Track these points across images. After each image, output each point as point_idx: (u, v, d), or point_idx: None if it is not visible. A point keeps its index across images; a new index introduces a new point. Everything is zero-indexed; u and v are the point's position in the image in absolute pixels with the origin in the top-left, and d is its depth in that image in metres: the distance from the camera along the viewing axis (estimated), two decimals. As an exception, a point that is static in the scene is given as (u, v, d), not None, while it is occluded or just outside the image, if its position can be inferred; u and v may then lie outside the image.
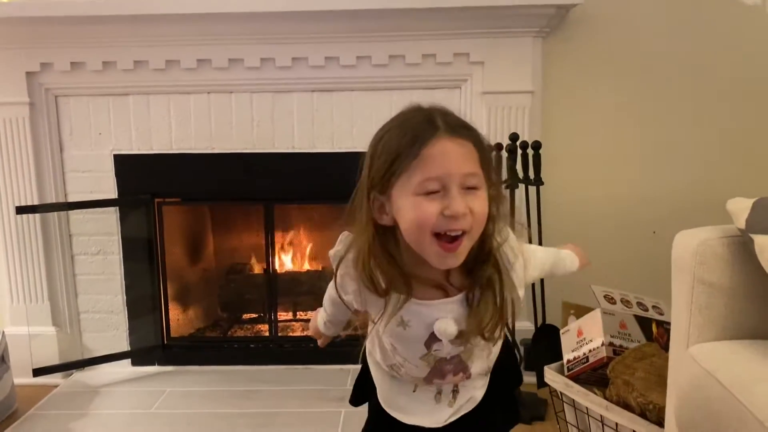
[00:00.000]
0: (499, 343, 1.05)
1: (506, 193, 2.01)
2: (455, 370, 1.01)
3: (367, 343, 1.09)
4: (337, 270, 0.97)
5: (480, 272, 0.93)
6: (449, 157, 0.86)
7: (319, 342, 1.25)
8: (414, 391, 1.05)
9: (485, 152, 0.91)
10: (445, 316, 0.94)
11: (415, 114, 0.90)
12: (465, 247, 0.89)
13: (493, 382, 1.08)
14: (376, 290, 0.92)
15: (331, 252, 0.99)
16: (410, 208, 0.87)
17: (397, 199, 0.88)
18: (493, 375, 1.08)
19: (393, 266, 0.92)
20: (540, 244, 1.99)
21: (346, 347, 1.17)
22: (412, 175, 0.86)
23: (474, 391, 1.06)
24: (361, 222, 0.92)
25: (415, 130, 0.87)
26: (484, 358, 1.03)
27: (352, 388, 1.19)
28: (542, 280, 2.02)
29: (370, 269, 0.91)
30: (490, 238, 0.93)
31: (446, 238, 0.87)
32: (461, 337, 0.94)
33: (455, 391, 1.05)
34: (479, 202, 0.88)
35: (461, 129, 0.88)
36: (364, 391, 1.15)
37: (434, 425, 1.05)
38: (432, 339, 0.96)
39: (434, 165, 0.85)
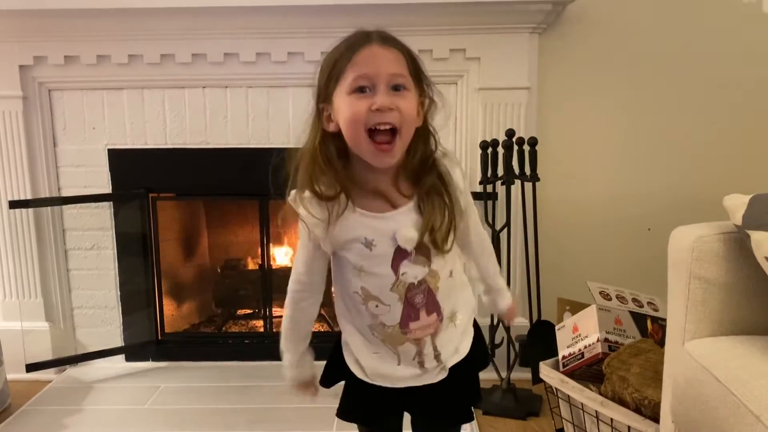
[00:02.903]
0: (468, 291, 1.14)
1: (501, 189, 2.02)
2: (427, 304, 1.05)
3: (343, 334, 1.15)
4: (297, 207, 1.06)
5: (425, 179, 1.02)
6: (378, 58, 0.96)
7: (303, 394, 1.26)
8: (398, 365, 1.08)
9: (415, 62, 1.01)
10: (404, 226, 1.00)
11: (357, 33, 1.01)
12: (398, 147, 0.98)
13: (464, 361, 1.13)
14: (318, 194, 1.00)
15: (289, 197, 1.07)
16: (345, 107, 0.97)
17: (336, 102, 0.99)
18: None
19: (333, 168, 1.00)
20: (536, 239, 1.99)
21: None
22: (347, 76, 0.96)
23: (456, 343, 1.10)
24: (313, 131, 1.03)
25: (350, 42, 0.99)
26: (450, 292, 1.07)
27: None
28: (537, 277, 2.02)
29: (312, 171, 1.01)
30: (432, 153, 1.04)
31: (379, 137, 0.96)
32: (421, 240, 1.00)
33: (438, 355, 1.08)
34: (406, 102, 0.97)
35: (393, 41, 0.99)
36: (335, 372, 1.19)
37: (427, 382, 1.10)
38: (398, 257, 1.01)
39: (364, 65, 0.96)
